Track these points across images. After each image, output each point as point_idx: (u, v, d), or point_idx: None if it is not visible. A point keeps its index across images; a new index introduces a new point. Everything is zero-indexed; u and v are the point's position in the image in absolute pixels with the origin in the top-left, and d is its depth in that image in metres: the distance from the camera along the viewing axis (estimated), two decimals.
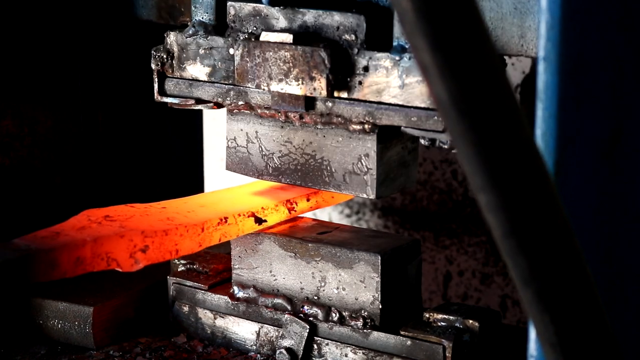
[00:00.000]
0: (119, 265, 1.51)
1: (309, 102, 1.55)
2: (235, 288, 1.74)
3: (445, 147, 1.47)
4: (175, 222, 1.60)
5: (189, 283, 1.78)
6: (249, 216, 1.66)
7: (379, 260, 1.61)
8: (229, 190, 1.77)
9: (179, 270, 1.81)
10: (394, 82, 1.48)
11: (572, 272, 0.89)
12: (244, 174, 1.67)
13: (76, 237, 1.48)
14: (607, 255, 1.20)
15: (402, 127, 1.49)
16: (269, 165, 1.65)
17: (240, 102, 1.63)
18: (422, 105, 1.47)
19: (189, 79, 1.67)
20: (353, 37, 1.50)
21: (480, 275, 2.41)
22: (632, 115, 1.19)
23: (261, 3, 1.56)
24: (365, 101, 1.51)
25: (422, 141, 1.49)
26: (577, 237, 0.90)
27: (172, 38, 1.68)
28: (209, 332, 1.77)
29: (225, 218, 1.64)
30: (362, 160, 1.56)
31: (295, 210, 1.72)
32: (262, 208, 1.68)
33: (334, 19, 1.52)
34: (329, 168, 1.60)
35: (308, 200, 1.73)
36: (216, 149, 2.63)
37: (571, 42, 1.07)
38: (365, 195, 1.57)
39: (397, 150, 1.58)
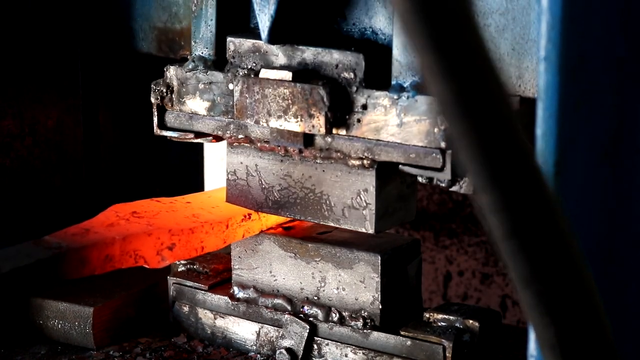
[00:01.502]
0: (146, 262, 1.56)
1: (308, 139, 1.56)
2: (236, 288, 1.74)
3: (443, 185, 1.47)
4: (201, 219, 1.64)
5: (189, 283, 1.78)
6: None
7: (379, 261, 1.61)
8: None
9: (179, 270, 1.81)
10: (392, 120, 1.49)
11: (572, 274, 0.89)
12: (244, 206, 1.68)
13: (105, 235, 1.52)
14: (607, 255, 1.20)
15: (400, 166, 1.49)
16: (269, 199, 1.65)
17: (240, 136, 1.64)
18: (420, 144, 1.47)
19: (188, 113, 1.67)
20: (352, 75, 1.51)
21: (480, 275, 2.41)
22: (632, 116, 1.19)
23: (260, 39, 1.56)
24: (363, 138, 1.52)
25: (420, 179, 1.49)
26: (577, 238, 0.90)
27: (171, 72, 1.68)
28: (209, 332, 1.77)
29: (249, 214, 1.68)
30: (361, 195, 1.57)
31: None
32: None
33: (333, 56, 1.53)
34: (328, 202, 1.60)
35: None
36: (216, 149, 2.63)
37: (572, 42, 1.07)
38: (364, 230, 1.58)
39: (396, 185, 1.59)
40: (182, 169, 2.16)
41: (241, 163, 1.67)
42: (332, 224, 1.61)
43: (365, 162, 1.54)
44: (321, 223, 1.63)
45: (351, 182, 1.58)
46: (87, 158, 1.97)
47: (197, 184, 2.20)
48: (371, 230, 1.57)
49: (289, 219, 1.74)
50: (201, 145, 2.21)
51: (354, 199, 1.58)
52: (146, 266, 1.57)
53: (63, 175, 1.93)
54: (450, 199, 2.40)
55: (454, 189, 1.47)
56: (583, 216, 1.14)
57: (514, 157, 0.84)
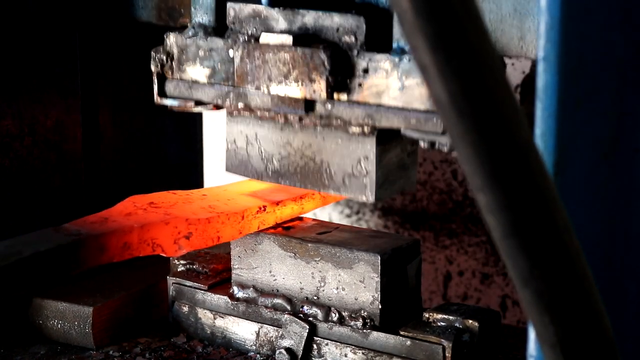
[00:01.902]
0: (164, 251, 1.59)
1: (309, 105, 1.55)
2: (235, 288, 1.74)
3: (445, 149, 1.47)
4: (217, 210, 1.67)
5: (188, 283, 1.78)
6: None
7: (379, 261, 1.61)
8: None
9: (178, 270, 1.81)
10: (393, 84, 1.48)
11: (571, 273, 0.89)
12: (243, 175, 1.67)
13: (124, 223, 1.56)
14: (607, 255, 1.20)
15: (401, 130, 1.49)
16: (269, 168, 1.65)
17: (240, 104, 1.63)
18: (422, 107, 1.46)
19: (188, 81, 1.67)
20: (353, 38, 1.50)
21: (480, 275, 2.41)
22: (631, 116, 1.19)
23: (261, 4, 1.55)
24: (364, 103, 1.51)
25: (421, 143, 1.48)
26: (577, 237, 0.90)
27: (171, 39, 1.67)
28: (208, 332, 1.77)
29: (264, 206, 1.70)
30: (362, 163, 1.56)
31: (329, 199, 1.78)
32: (301, 197, 1.74)
33: (333, 20, 1.52)
34: (328, 170, 1.60)
35: None
36: (216, 149, 2.63)
37: (571, 43, 1.07)
38: (364, 198, 1.57)
39: (397, 153, 1.58)
40: (181, 169, 2.16)
41: (241, 132, 1.66)
42: (332, 192, 1.60)
43: (365, 129, 1.53)
44: (321, 191, 1.62)
45: (351, 150, 1.57)
46: (87, 158, 1.97)
47: (196, 184, 2.20)
48: (371, 199, 1.56)
49: (295, 215, 1.74)
50: (201, 144, 2.21)
51: (354, 167, 1.57)
52: (163, 255, 1.60)
53: (63, 175, 1.93)
54: (450, 199, 2.40)
55: (455, 153, 1.46)
56: (583, 216, 1.14)
57: (513, 157, 0.84)
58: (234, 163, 1.68)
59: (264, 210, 1.70)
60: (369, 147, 1.55)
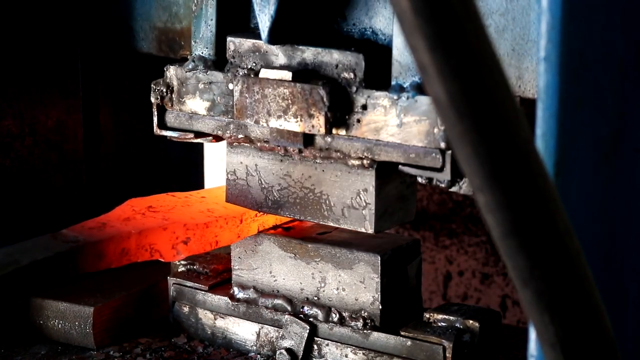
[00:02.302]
0: (162, 256, 1.60)
1: (308, 139, 1.56)
2: (236, 289, 1.74)
3: (443, 185, 1.47)
4: (215, 214, 1.67)
5: (189, 284, 1.78)
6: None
7: (379, 261, 1.61)
8: None
9: (179, 270, 1.81)
10: (392, 121, 1.49)
11: (571, 272, 0.89)
12: (243, 206, 1.68)
13: (122, 229, 1.56)
14: (607, 255, 1.20)
15: (400, 167, 1.49)
16: (269, 199, 1.65)
17: (240, 135, 1.64)
18: (420, 144, 1.47)
19: (188, 112, 1.67)
20: (352, 75, 1.51)
21: (480, 275, 2.41)
22: (632, 116, 1.19)
23: (260, 39, 1.56)
24: (363, 139, 1.52)
25: (419, 179, 1.49)
26: (577, 237, 0.90)
27: (171, 72, 1.68)
28: (209, 332, 1.77)
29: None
30: (361, 195, 1.57)
31: None
32: None
33: (333, 57, 1.53)
34: (327, 202, 1.60)
35: None
36: (216, 149, 2.63)
37: (572, 43, 1.07)
38: (363, 230, 1.58)
39: (396, 185, 1.59)
40: (182, 169, 2.16)
41: (241, 163, 1.67)
42: (331, 224, 1.61)
43: (365, 162, 1.54)
44: (321, 223, 1.63)
45: (351, 182, 1.58)
46: (87, 158, 1.97)
47: (197, 184, 2.20)
48: (371, 230, 1.57)
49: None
50: (201, 145, 2.21)
51: (353, 198, 1.58)
52: (162, 260, 1.60)
53: (63, 175, 1.93)
54: (450, 199, 2.40)
55: (453, 189, 1.47)
56: (583, 216, 1.14)
57: (513, 156, 0.84)
58: (234, 193, 1.68)
59: (262, 214, 1.70)
60: (369, 179, 1.55)
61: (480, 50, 0.81)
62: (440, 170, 1.46)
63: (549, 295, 0.88)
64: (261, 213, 1.69)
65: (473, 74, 0.81)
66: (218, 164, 2.67)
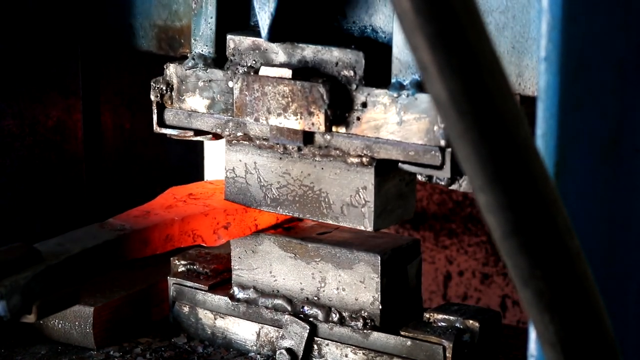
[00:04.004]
0: (204, 241, 1.66)
1: (308, 137, 1.56)
2: (236, 289, 1.74)
3: (442, 183, 1.47)
4: None
5: (189, 284, 1.78)
6: None
7: (379, 261, 1.61)
8: None
9: (179, 270, 1.81)
10: (391, 118, 1.49)
11: (572, 272, 0.89)
12: (242, 204, 1.68)
13: (165, 216, 1.62)
14: (607, 255, 1.20)
15: (399, 164, 1.49)
16: (267, 196, 1.65)
17: (239, 133, 1.64)
18: (420, 142, 1.47)
19: (187, 110, 1.67)
20: (352, 73, 1.51)
21: (480, 275, 2.41)
22: (632, 116, 1.19)
23: (260, 37, 1.56)
24: (363, 136, 1.52)
25: (419, 177, 1.50)
26: (577, 237, 0.90)
27: (171, 70, 1.68)
28: (209, 332, 1.77)
29: None
30: (360, 193, 1.57)
31: None
32: None
33: (332, 54, 1.53)
34: (327, 200, 1.60)
35: None
36: (217, 150, 2.63)
37: (572, 43, 1.07)
38: (362, 228, 1.58)
39: (395, 183, 1.59)
40: (182, 169, 2.16)
41: (240, 161, 1.67)
42: (330, 222, 1.61)
43: (364, 159, 1.54)
44: (320, 221, 1.63)
45: (350, 180, 1.58)
46: (88, 158, 1.97)
47: None
48: (370, 228, 1.57)
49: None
50: (201, 145, 2.21)
51: (352, 196, 1.58)
52: (204, 244, 1.66)
53: (63, 175, 1.93)
54: (450, 199, 2.40)
55: (453, 187, 1.47)
56: (583, 216, 1.14)
57: (514, 156, 0.84)
58: (233, 191, 1.69)
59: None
60: (368, 177, 1.55)
61: (481, 50, 0.82)
62: (440, 168, 1.46)
63: (549, 295, 0.88)
64: None
65: (474, 73, 0.81)
66: (218, 164, 2.67)
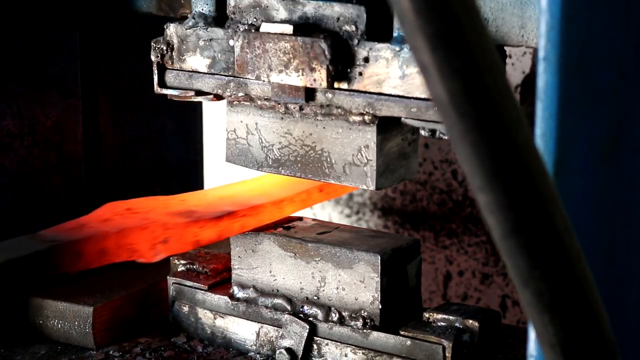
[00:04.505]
0: (141, 256, 1.59)
1: (309, 93, 1.55)
2: (235, 288, 1.74)
3: (445, 137, 1.47)
4: (195, 214, 1.66)
5: (188, 283, 1.78)
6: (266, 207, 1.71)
7: (379, 261, 1.61)
8: (246, 182, 1.79)
9: (178, 270, 1.81)
10: (394, 72, 1.48)
11: (571, 273, 0.89)
12: (243, 165, 1.67)
13: (100, 229, 1.56)
14: (607, 255, 1.20)
15: (402, 118, 1.49)
16: (269, 157, 1.65)
17: (240, 94, 1.63)
18: (422, 96, 1.47)
19: (188, 71, 1.67)
20: (353, 28, 1.50)
21: (480, 275, 2.41)
22: (632, 116, 1.19)
23: None
24: (365, 92, 1.51)
25: (422, 132, 1.49)
26: (577, 237, 0.90)
27: (171, 30, 1.67)
28: (208, 332, 1.77)
29: (244, 209, 1.68)
30: (362, 152, 1.56)
31: (309, 202, 1.75)
32: (280, 200, 1.72)
33: (334, 9, 1.52)
34: (329, 159, 1.60)
35: (321, 191, 1.76)
36: (216, 149, 2.63)
37: (571, 42, 1.07)
38: (365, 187, 1.58)
39: (397, 142, 1.58)
40: (182, 169, 2.16)
41: (241, 122, 1.66)
42: (333, 182, 1.61)
43: (366, 117, 1.53)
44: (322, 181, 1.62)
45: (352, 139, 1.57)
46: (87, 158, 1.97)
47: (197, 184, 2.20)
48: (372, 187, 1.56)
49: (284, 217, 1.74)
50: (201, 145, 2.21)
51: (354, 155, 1.57)
52: (141, 260, 1.60)
53: (63, 175, 1.93)
54: (450, 199, 2.40)
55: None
56: (583, 216, 1.14)
57: (514, 156, 0.84)
58: (234, 153, 1.68)
59: (245, 215, 1.69)
60: (370, 135, 1.55)
61: (481, 50, 0.82)
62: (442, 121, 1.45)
63: (549, 295, 0.88)
64: (243, 214, 1.68)
65: (474, 73, 0.81)
66: (219, 164, 2.67)
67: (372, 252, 1.62)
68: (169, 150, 2.10)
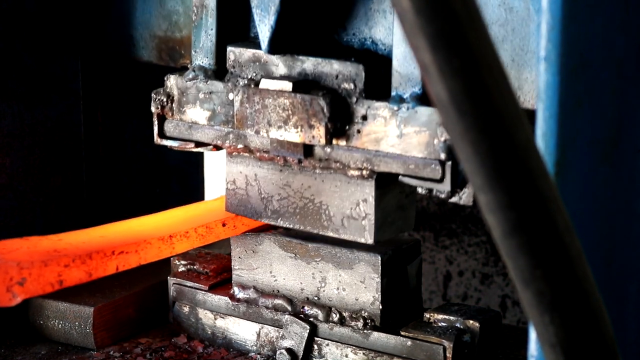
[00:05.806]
0: None
1: (308, 149, 1.56)
2: (236, 289, 1.74)
3: (443, 196, 1.47)
4: (61, 252, 1.53)
5: (189, 284, 1.78)
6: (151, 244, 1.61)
7: (379, 261, 1.61)
8: (142, 219, 1.70)
9: (179, 270, 1.81)
10: (392, 131, 1.49)
11: (572, 273, 0.89)
12: (243, 215, 1.68)
13: None
14: (607, 255, 1.20)
15: (399, 177, 1.49)
16: (268, 208, 1.65)
17: (240, 145, 1.64)
18: (420, 155, 1.47)
19: (188, 122, 1.67)
20: (352, 85, 1.51)
21: (480, 275, 2.41)
22: (632, 116, 1.19)
23: (261, 49, 1.56)
24: (363, 149, 1.52)
25: (419, 190, 1.49)
26: (578, 237, 0.90)
27: (172, 81, 1.68)
28: (209, 332, 1.77)
29: (122, 247, 1.57)
30: (361, 205, 1.57)
31: (209, 237, 1.68)
32: (170, 236, 1.63)
33: (333, 67, 1.53)
34: (327, 212, 1.60)
35: (224, 225, 1.70)
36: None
37: (572, 43, 1.07)
38: (363, 240, 1.58)
39: (395, 195, 1.59)
40: (182, 170, 2.16)
41: (240, 172, 1.67)
42: (331, 234, 1.61)
43: (364, 172, 1.54)
44: (320, 233, 1.63)
45: (350, 192, 1.57)
46: (87, 158, 1.97)
47: (197, 184, 2.20)
48: (370, 241, 1.57)
49: (163, 257, 1.65)
50: None
51: (353, 209, 1.58)
52: None
53: (63, 175, 1.93)
54: None
55: (453, 200, 1.47)
56: (583, 216, 1.14)
57: (514, 156, 0.84)
58: (234, 203, 1.68)
59: (125, 253, 1.57)
60: (368, 190, 1.55)
61: (482, 49, 0.82)
62: (440, 181, 1.46)
63: (550, 295, 0.88)
64: (120, 251, 1.57)
65: (474, 73, 0.81)
66: (218, 165, 2.67)
67: (373, 252, 1.62)
68: (169, 151, 2.10)
